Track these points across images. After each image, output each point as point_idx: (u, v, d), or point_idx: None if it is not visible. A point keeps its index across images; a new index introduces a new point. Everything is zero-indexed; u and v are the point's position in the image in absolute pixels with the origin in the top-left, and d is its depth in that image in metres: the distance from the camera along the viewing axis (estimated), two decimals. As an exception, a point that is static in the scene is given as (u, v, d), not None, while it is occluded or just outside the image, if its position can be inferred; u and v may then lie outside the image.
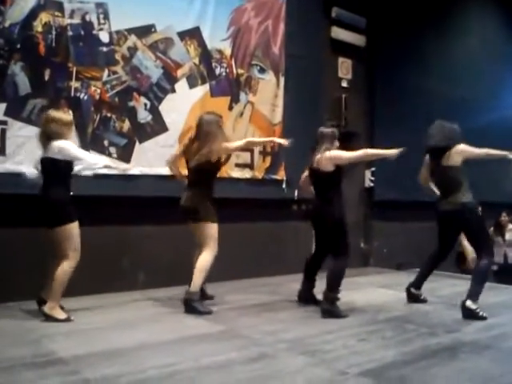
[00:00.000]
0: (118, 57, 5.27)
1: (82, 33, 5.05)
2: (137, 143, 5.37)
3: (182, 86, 5.71)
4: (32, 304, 4.25)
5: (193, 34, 5.80)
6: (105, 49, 5.19)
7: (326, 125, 4.78)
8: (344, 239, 4.52)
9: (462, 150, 4.60)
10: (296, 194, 6.40)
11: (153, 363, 3.12)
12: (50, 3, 4.84)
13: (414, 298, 4.97)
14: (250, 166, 6.30)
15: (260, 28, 6.44)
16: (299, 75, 6.72)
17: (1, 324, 3.98)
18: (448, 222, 4.72)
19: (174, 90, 5.64)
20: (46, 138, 4.09)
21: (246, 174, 6.25)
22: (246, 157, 6.25)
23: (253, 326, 4.07)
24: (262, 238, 6.35)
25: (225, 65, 6.09)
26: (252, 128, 6.31)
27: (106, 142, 5.18)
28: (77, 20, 5.01)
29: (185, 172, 4.87)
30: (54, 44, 4.85)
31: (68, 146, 4.10)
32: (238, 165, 6.17)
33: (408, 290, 5.01)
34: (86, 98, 5.06)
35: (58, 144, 4.05)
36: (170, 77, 5.61)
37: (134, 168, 5.23)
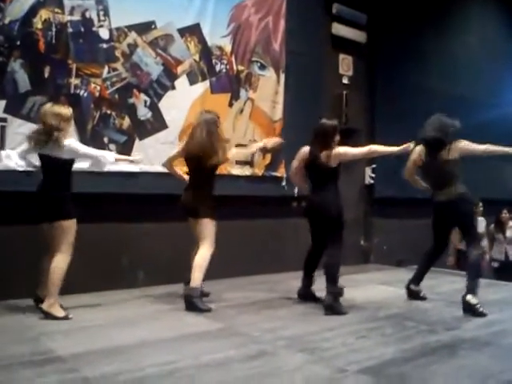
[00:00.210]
0: (118, 53, 5.26)
1: (82, 29, 5.04)
2: (137, 140, 5.37)
3: (182, 82, 5.70)
4: (30, 302, 4.25)
5: (193, 31, 5.79)
6: (105, 45, 5.18)
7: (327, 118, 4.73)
8: (340, 230, 4.53)
9: (463, 147, 4.60)
10: (296, 191, 6.39)
11: (152, 361, 3.12)
12: (50, 0, 4.82)
13: (413, 294, 4.98)
14: (250, 163, 6.29)
15: (260, 24, 6.43)
16: (300, 72, 6.71)
17: None
18: (443, 212, 4.74)
19: (174, 87, 5.64)
20: (45, 133, 4.03)
21: (246, 171, 6.24)
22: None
23: (252, 323, 4.07)
24: (261, 235, 6.35)
25: (225, 61, 6.08)
26: (252, 125, 6.30)
27: (105, 139, 5.18)
28: (77, 17, 5.00)
29: (184, 170, 4.86)
30: (53, 41, 4.85)
31: (78, 146, 4.14)
32: (238, 162, 6.15)
33: (408, 288, 5.02)
34: (85, 94, 5.06)
35: (67, 144, 4.04)
36: (170, 73, 5.61)
37: (134, 165, 5.23)
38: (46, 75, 4.81)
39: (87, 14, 5.07)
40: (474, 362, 3.27)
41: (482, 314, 4.36)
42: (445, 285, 5.68)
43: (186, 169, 4.84)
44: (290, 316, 4.35)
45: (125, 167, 5.20)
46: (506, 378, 3.04)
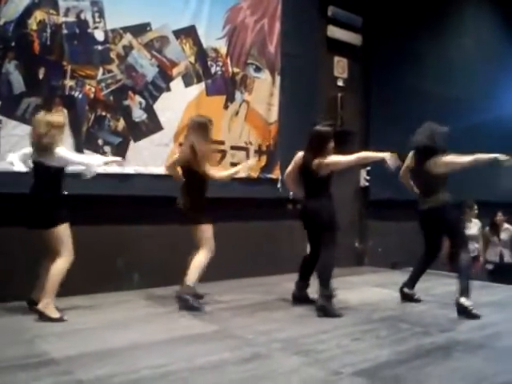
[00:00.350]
0: (113, 55, 5.25)
1: (77, 31, 5.03)
2: (131, 142, 5.36)
3: (177, 84, 5.70)
4: (25, 304, 4.23)
5: (188, 33, 5.79)
6: (100, 47, 5.17)
7: (321, 123, 4.73)
8: (333, 233, 4.54)
9: (449, 162, 4.63)
10: (291, 193, 6.39)
11: (146, 363, 3.12)
12: (45, 1, 4.82)
13: (407, 297, 4.99)
14: (245, 165, 6.28)
15: (256, 27, 6.43)
16: (295, 74, 6.71)
17: (-6, 324, 3.97)
18: (427, 220, 4.80)
19: (169, 89, 5.63)
20: (39, 140, 4.06)
21: (241, 173, 6.22)
22: (241, 156, 6.24)
23: (246, 325, 4.07)
24: (256, 238, 6.34)
25: (220, 63, 6.08)
26: (248, 127, 6.30)
27: (100, 141, 5.16)
28: (72, 18, 4.99)
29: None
30: (48, 42, 4.84)
31: (66, 154, 4.13)
32: (233, 164, 6.14)
33: (401, 291, 5.02)
34: (80, 96, 5.04)
35: (55, 153, 4.06)
36: (165, 75, 5.60)
37: (129, 167, 5.24)
38: (41, 77, 4.80)
39: (82, 16, 5.06)
40: (468, 365, 3.28)
41: (475, 316, 4.38)
42: (439, 287, 5.69)
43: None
44: (284, 318, 4.34)
45: (120, 169, 5.21)
46: (499, 381, 3.05)
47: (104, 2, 5.16)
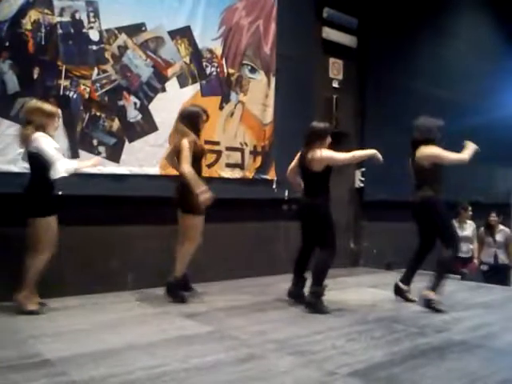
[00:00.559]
0: (107, 55, 5.23)
1: (72, 31, 5.00)
2: (126, 142, 5.34)
3: (172, 85, 5.68)
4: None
5: (183, 33, 5.78)
6: (95, 47, 5.15)
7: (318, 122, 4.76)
8: (330, 231, 4.56)
9: (430, 155, 4.65)
10: (286, 193, 6.40)
11: (141, 364, 3.11)
12: (40, 1, 4.78)
13: (400, 293, 5.01)
14: (241, 166, 6.29)
15: (251, 28, 6.43)
16: (290, 75, 6.72)
17: (-13, 325, 3.95)
18: (416, 213, 4.85)
19: (164, 89, 5.61)
20: (26, 128, 4.09)
21: (237, 173, 6.23)
22: (236, 157, 6.24)
23: (242, 326, 4.06)
24: (251, 238, 6.34)
25: (215, 64, 6.07)
26: (243, 128, 6.30)
27: (95, 142, 5.14)
28: (66, 18, 4.97)
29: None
30: (43, 42, 4.81)
31: (43, 143, 4.07)
32: (228, 165, 6.16)
33: (396, 285, 5.05)
34: (75, 96, 5.02)
35: (35, 137, 4.06)
36: (160, 76, 5.59)
37: (124, 167, 5.23)
38: (35, 76, 4.77)
39: (77, 16, 5.04)
40: (463, 365, 3.28)
41: (437, 311, 4.50)
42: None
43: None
44: (279, 319, 4.34)
45: (114, 169, 5.19)
46: (495, 381, 3.05)
47: (99, 2, 5.13)
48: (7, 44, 4.62)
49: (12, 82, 4.65)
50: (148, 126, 5.48)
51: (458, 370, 3.19)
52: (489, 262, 7.56)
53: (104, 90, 5.21)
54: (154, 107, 5.52)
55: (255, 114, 6.42)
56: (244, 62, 6.33)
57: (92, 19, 5.13)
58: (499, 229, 7.60)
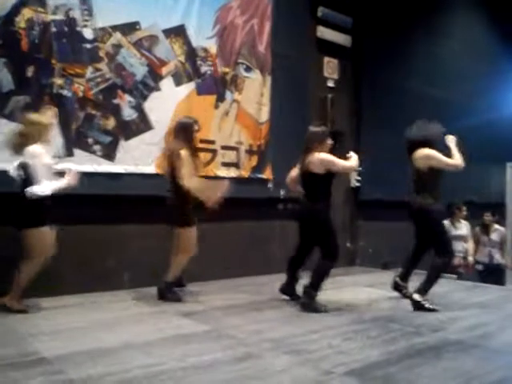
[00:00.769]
0: (102, 54, 5.21)
1: (66, 29, 4.99)
2: (121, 141, 5.32)
3: (167, 83, 5.67)
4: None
5: (178, 32, 5.76)
6: (89, 46, 5.13)
7: (315, 124, 4.74)
8: (333, 240, 4.56)
9: (426, 156, 4.64)
10: (282, 193, 6.40)
11: (138, 363, 3.10)
12: (33, -1, 4.77)
13: (397, 288, 5.06)
14: (237, 165, 6.28)
15: (246, 26, 6.42)
16: (285, 74, 6.72)
17: (-17, 324, 3.93)
18: (413, 216, 4.82)
19: (159, 88, 5.60)
20: (21, 140, 4.11)
21: (232, 172, 6.22)
22: (232, 156, 6.23)
23: (238, 325, 4.05)
24: (247, 238, 6.33)
25: (210, 63, 6.06)
26: (238, 127, 6.29)
27: (90, 140, 5.12)
28: (60, 16, 4.95)
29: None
30: (37, 40, 4.79)
31: (35, 160, 4.09)
32: (224, 164, 6.15)
33: (394, 281, 5.09)
34: (69, 95, 5.00)
35: (30, 151, 4.08)
36: (155, 74, 5.57)
37: (119, 166, 5.20)
38: (30, 75, 4.75)
39: (71, 14, 5.02)
40: (459, 364, 3.28)
41: (430, 310, 4.52)
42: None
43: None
44: (276, 318, 4.33)
45: (110, 168, 5.18)
46: (490, 380, 3.05)
47: (93, 1, 5.12)
48: (1, 42, 4.60)
49: (6, 80, 4.63)
50: (143, 124, 5.47)
51: (454, 369, 3.19)
52: (484, 261, 7.57)
53: (99, 88, 5.18)
54: (149, 106, 5.51)
55: (250, 112, 6.42)
56: (239, 60, 6.33)
57: (86, 17, 5.12)
58: (494, 228, 7.61)
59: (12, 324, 3.91)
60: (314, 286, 4.49)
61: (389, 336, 3.84)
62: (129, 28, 5.39)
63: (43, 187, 4.14)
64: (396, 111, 7.40)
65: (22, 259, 4.14)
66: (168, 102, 5.62)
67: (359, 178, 7.63)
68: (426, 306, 4.55)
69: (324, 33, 7.38)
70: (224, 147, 6.13)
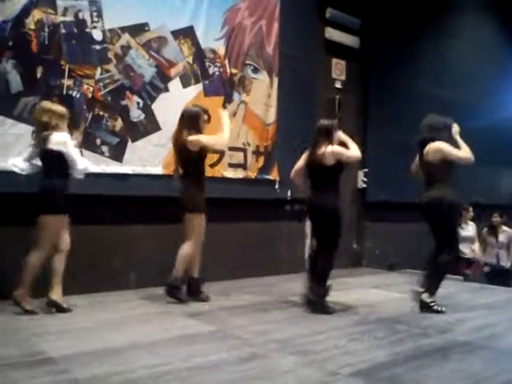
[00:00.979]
0: (110, 55, 5.24)
1: (75, 30, 5.02)
2: (129, 142, 5.35)
3: (175, 85, 5.69)
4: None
5: (186, 33, 5.78)
6: (98, 47, 5.16)
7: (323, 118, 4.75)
8: (336, 232, 4.54)
9: (438, 148, 4.60)
10: (289, 194, 6.40)
11: (143, 363, 3.10)
12: (43, 0, 4.80)
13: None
14: (243, 166, 6.29)
15: (254, 28, 6.43)
16: (293, 75, 6.72)
17: (-10, 323, 3.96)
18: (425, 214, 4.73)
19: (167, 89, 5.62)
20: (42, 128, 4.14)
21: (239, 173, 6.24)
22: (239, 157, 6.24)
23: (244, 325, 4.05)
24: (254, 238, 6.34)
25: (218, 64, 6.08)
26: (245, 128, 6.30)
27: (98, 141, 5.15)
28: (70, 18, 4.98)
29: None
30: (46, 41, 4.82)
31: (68, 141, 4.18)
32: (231, 165, 6.16)
33: (419, 297, 4.71)
34: (78, 96, 5.03)
35: (59, 137, 4.12)
36: (163, 76, 5.60)
37: (126, 167, 5.25)
38: (39, 76, 4.78)
39: (80, 15, 5.05)
40: (466, 366, 3.26)
41: (437, 312, 4.47)
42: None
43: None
44: (282, 319, 4.33)
45: (117, 169, 5.20)
46: (498, 382, 3.04)
47: (102, 2, 5.15)
48: (10, 43, 4.63)
49: (15, 82, 4.66)
50: (151, 125, 5.49)
51: (462, 370, 3.17)
52: (491, 263, 7.55)
53: (107, 89, 5.22)
54: (157, 107, 5.53)
55: (258, 114, 6.43)
56: (247, 62, 6.34)
57: (95, 19, 5.15)
58: (502, 229, 7.59)
59: (18, 324, 3.93)
60: (321, 281, 4.44)
61: (395, 337, 3.84)
62: (138, 29, 5.41)
63: (87, 163, 4.28)
64: (404, 112, 7.40)
65: (32, 250, 4.14)
66: (176, 103, 5.62)
67: (366, 179, 7.61)
68: (434, 307, 4.52)
69: (332, 34, 7.38)
70: (231, 148, 6.14)
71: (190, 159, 4.70)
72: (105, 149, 5.18)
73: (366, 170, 7.56)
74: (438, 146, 4.60)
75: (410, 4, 7.83)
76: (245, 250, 6.14)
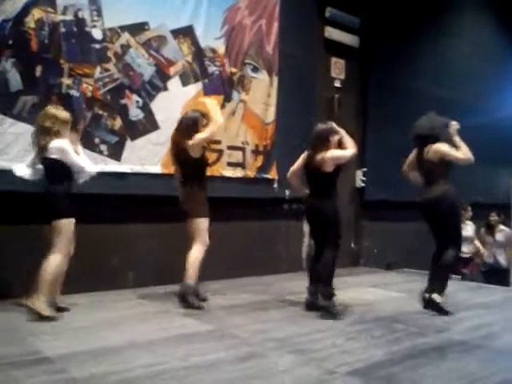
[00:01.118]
0: (110, 54, 5.24)
1: (75, 29, 5.02)
2: (128, 141, 5.36)
3: (174, 83, 5.70)
4: (19, 302, 4.22)
5: (186, 32, 5.79)
6: (97, 46, 5.17)
7: (321, 121, 4.73)
8: (336, 230, 4.54)
9: (438, 150, 4.60)
10: (287, 193, 6.42)
11: (141, 362, 3.12)
12: (43, -1, 4.81)
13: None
14: (242, 165, 6.30)
15: (254, 27, 6.44)
16: (292, 75, 6.73)
17: (-12, 322, 3.97)
18: (425, 212, 4.72)
19: (166, 88, 5.63)
20: (42, 134, 4.10)
21: (238, 172, 6.25)
22: (238, 156, 6.25)
23: (242, 325, 4.07)
24: (252, 237, 6.35)
25: (218, 63, 6.09)
26: (244, 127, 6.31)
27: (97, 140, 5.16)
28: (69, 16, 4.98)
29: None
30: (46, 40, 4.82)
31: (67, 149, 4.12)
32: (230, 164, 6.17)
33: (423, 298, 4.70)
34: (77, 95, 5.04)
35: (57, 145, 4.07)
36: (162, 74, 5.60)
37: (125, 165, 5.25)
38: (38, 75, 4.79)
39: (80, 14, 5.05)
40: (463, 365, 3.28)
41: (446, 313, 4.44)
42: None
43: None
44: (280, 318, 4.35)
45: (116, 168, 5.21)
46: (495, 381, 3.05)
47: (102, 1, 5.16)
48: (10, 42, 4.64)
49: (15, 80, 4.66)
50: (150, 124, 5.50)
51: (458, 370, 3.19)
52: (488, 262, 7.57)
53: (106, 88, 5.22)
54: (156, 106, 5.54)
55: (257, 113, 6.43)
56: (246, 61, 6.35)
57: (95, 18, 5.15)
58: (499, 229, 7.61)
59: (15, 323, 3.94)
60: (325, 280, 4.41)
61: (393, 336, 3.85)
62: (137, 28, 5.42)
63: (91, 166, 4.28)
64: (403, 111, 7.39)
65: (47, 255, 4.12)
66: (175, 102, 5.65)
67: (364, 179, 7.63)
68: (444, 308, 4.47)
69: (332, 33, 7.38)
70: (230, 147, 6.16)
71: (190, 165, 4.66)
72: (103, 148, 5.19)
73: (365, 169, 7.57)
74: (438, 148, 4.60)
75: (409, 3, 7.84)
76: (242, 248, 6.15)
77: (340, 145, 4.62)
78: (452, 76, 8.68)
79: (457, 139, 4.63)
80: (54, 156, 4.08)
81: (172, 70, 5.68)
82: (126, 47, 5.34)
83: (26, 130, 4.56)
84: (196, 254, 4.61)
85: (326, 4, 7.23)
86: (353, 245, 7.75)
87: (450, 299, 4.55)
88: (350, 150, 4.59)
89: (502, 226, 7.63)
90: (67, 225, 4.09)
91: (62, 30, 4.93)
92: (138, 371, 2.98)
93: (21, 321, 3.98)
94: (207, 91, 5.97)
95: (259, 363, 3.19)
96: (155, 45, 5.55)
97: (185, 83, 5.79)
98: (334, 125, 4.67)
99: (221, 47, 6.11)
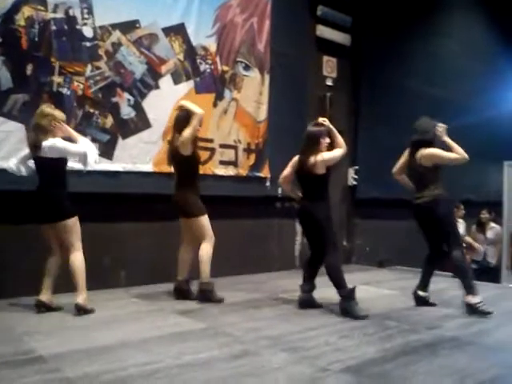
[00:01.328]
0: (101, 52, 5.22)
1: (66, 27, 4.99)
2: (119, 139, 5.34)
3: (166, 82, 5.69)
4: (13, 301, 4.21)
5: (178, 30, 5.78)
6: (88, 44, 5.14)
7: (312, 123, 4.72)
8: (331, 231, 4.53)
9: (431, 155, 4.61)
10: (280, 191, 6.42)
11: (134, 361, 3.11)
12: (33, -3, 4.78)
13: (421, 301, 4.82)
14: (235, 164, 6.30)
15: (245, 25, 6.44)
16: (284, 73, 6.73)
17: (-19, 322, 3.94)
18: (419, 215, 4.73)
19: (158, 86, 5.62)
20: (38, 132, 4.09)
21: (230, 171, 6.25)
22: (230, 154, 6.25)
23: (235, 323, 4.07)
24: (245, 236, 6.36)
25: (209, 61, 6.08)
26: (236, 125, 6.31)
27: (88, 138, 5.11)
28: (60, 14, 4.96)
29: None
30: (36, 38, 4.80)
31: (57, 143, 4.10)
32: (222, 162, 6.17)
33: (415, 294, 4.84)
34: (68, 93, 5.01)
35: (47, 144, 4.06)
36: (154, 73, 5.59)
37: (117, 164, 5.23)
38: (29, 73, 4.76)
39: (71, 12, 5.03)
40: (455, 361, 3.30)
41: (485, 313, 4.39)
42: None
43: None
44: (273, 316, 4.35)
45: (107, 166, 5.19)
46: (486, 377, 3.07)
47: (93, -1, 5.14)
48: (0, 40, 4.60)
49: (5, 78, 4.64)
50: (141, 122, 5.49)
51: (450, 366, 3.20)
52: (478, 259, 7.61)
53: (98, 86, 5.20)
54: (148, 104, 5.53)
55: (249, 111, 6.43)
56: (238, 59, 6.34)
57: (86, 16, 5.13)
58: (490, 226, 7.65)
59: (8, 322, 3.92)
60: (338, 284, 4.39)
61: (385, 333, 3.87)
62: (128, 26, 5.40)
63: (85, 148, 4.23)
64: (394, 110, 7.44)
65: (53, 257, 4.21)
66: (167, 101, 5.63)
67: (356, 177, 7.65)
68: (481, 308, 4.43)
69: (323, 31, 7.40)
70: (222, 145, 6.16)
71: (182, 163, 4.68)
72: (95, 146, 5.15)
73: (357, 167, 7.59)
74: (431, 153, 4.60)
75: (400, 2, 7.85)
76: (235, 247, 6.14)
77: (331, 144, 4.62)
78: (443, 75, 8.71)
79: (447, 140, 4.65)
80: (47, 155, 4.07)
81: (163, 68, 5.67)
82: (117, 45, 5.32)
83: (16, 128, 4.55)
84: (206, 251, 4.68)
85: (317, 2, 7.25)
86: (345, 243, 7.77)
87: (441, 296, 4.56)
88: (340, 149, 4.58)
89: (492, 224, 7.68)
90: (74, 222, 4.18)
91: (53, 27, 4.91)
92: (132, 370, 2.97)
93: (13, 320, 3.97)
94: (199, 89, 5.97)
95: (252, 361, 3.20)
96: (146, 43, 5.53)
97: (176, 81, 5.78)
98: (326, 121, 4.65)
99: (212, 45, 6.10)
